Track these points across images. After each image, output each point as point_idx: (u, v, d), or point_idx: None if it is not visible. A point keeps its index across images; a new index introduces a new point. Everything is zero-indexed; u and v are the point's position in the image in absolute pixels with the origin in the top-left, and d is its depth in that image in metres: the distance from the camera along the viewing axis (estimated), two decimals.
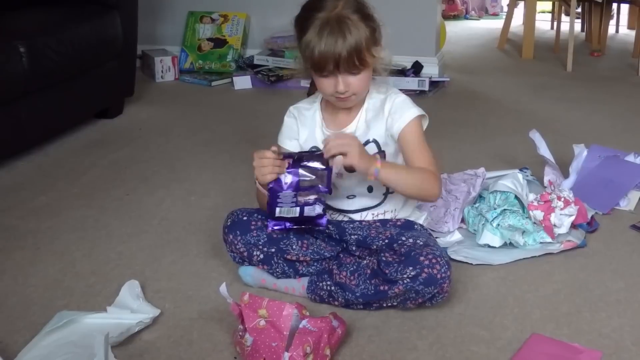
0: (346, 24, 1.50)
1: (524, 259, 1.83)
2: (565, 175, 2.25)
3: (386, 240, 1.63)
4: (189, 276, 1.77)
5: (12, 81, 2.33)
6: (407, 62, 3.47)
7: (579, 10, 4.92)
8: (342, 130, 1.66)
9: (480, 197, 2.04)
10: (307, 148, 1.70)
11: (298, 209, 1.54)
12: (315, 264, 1.66)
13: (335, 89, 1.56)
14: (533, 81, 3.70)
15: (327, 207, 1.62)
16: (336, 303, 1.61)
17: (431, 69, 3.56)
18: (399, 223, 1.69)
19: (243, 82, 3.52)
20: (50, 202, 2.19)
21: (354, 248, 1.68)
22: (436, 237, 1.82)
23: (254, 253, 1.66)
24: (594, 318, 1.59)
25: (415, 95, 3.25)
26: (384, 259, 1.55)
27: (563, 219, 1.91)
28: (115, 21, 2.84)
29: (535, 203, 1.94)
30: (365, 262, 1.61)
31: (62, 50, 2.53)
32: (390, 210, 1.72)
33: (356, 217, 1.72)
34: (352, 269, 1.61)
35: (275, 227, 1.60)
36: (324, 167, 1.52)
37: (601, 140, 2.52)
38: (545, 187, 2.14)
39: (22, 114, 2.42)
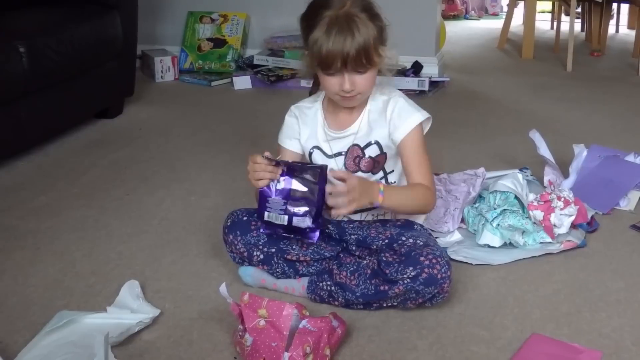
0: (355, 22, 1.50)
1: (524, 259, 1.83)
2: (565, 175, 2.25)
3: (386, 240, 1.63)
4: (189, 276, 1.77)
5: (12, 81, 2.33)
6: (407, 62, 3.47)
7: (579, 10, 4.92)
8: (343, 131, 1.65)
9: (480, 197, 2.04)
10: (308, 147, 1.69)
11: (286, 217, 1.53)
12: (315, 264, 1.66)
13: (341, 88, 1.55)
14: (533, 81, 3.70)
15: (327, 207, 1.61)
16: (336, 303, 1.61)
17: (431, 69, 3.56)
18: (398, 223, 1.68)
19: (243, 82, 3.52)
20: (50, 202, 2.19)
21: (354, 248, 1.68)
22: (436, 237, 1.82)
23: (254, 253, 1.66)
24: (594, 318, 1.59)
25: (415, 95, 3.25)
26: (384, 259, 1.55)
27: (563, 219, 1.92)
28: (115, 21, 2.84)
29: (535, 203, 1.94)
30: (365, 262, 1.61)
31: (62, 50, 2.53)
32: (390, 211, 1.72)
33: (356, 217, 1.71)
34: (352, 269, 1.61)
35: (266, 231, 1.59)
36: (315, 181, 1.51)
37: (601, 140, 2.52)
38: (545, 187, 2.14)
39: (22, 114, 2.42)
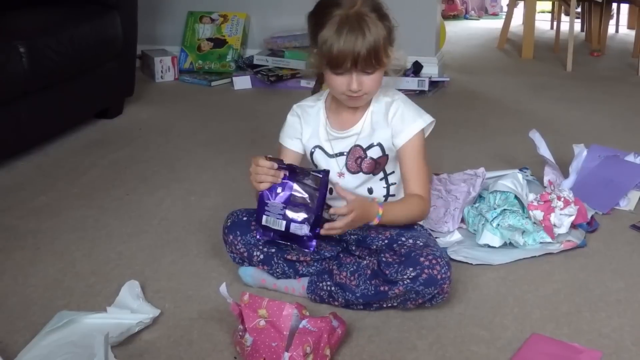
0: (365, 22, 1.49)
1: (523, 259, 1.83)
2: (565, 175, 2.25)
3: (386, 241, 1.63)
4: (189, 276, 1.77)
5: (12, 81, 2.33)
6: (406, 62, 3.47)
7: (579, 10, 4.92)
8: (346, 131, 1.65)
9: (480, 197, 2.04)
10: (309, 147, 1.69)
11: (284, 222, 1.52)
12: (315, 264, 1.66)
13: (348, 88, 1.54)
14: (533, 81, 3.70)
15: (327, 207, 1.61)
16: (336, 303, 1.61)
17: (431, 69, 3.56)
18: None
19: (243, 82, 3.52)
20: (50, 202, 2.19)
21: (353, 248, 1.68)
22: (436, 237, 1.82)
23: (254, 253, 1.66)
24: (594, 318, 1.59)
25: (415, 95, 3.25)
26: (384, 259, 1.55)
27: (563, 218, 1.92)
28: (115, 21, 2.84)
29: (535, 203, 1.94)
30: (365, 262, 1.61)
31: (62, 50, 2.53)
32: None
33: None
34: (352, 269, 1.60)
35: (264, 238, 1.59)
36: (316, 187, 1.51)
37: (601, 140, 2.52)
38: (545, 187, 2.14)
39: (22, 114, 2.42)
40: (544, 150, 2.21)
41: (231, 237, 1.67)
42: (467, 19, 5.95)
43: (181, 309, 1.62)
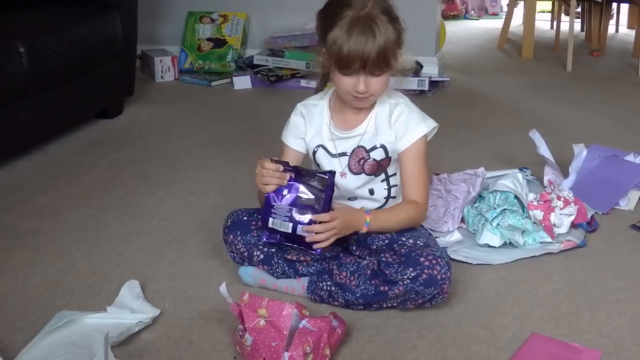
0: (376, 24, 1.49)
1: (523, 258, 1.84)
2: (565, 175, 2.25)
3: (386, 241, 1.63)
4: (189, 276, 1.77)
5: (12, 81, 2.33)
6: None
7: (579, 10, 4.92)
8: (350, 131, 1.65)
9: (480, 196, 2.04)
10: (312, 146, 1.68)
11: (291, 224, 1.52)
12: (315, 264, 1.66)
13: (354, 88, 1.54)
14: (533, 81, 3.70)
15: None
16: (336, 303, 1.61)
17: (431, 69, 3.56)
18: None
19: (243, 82, 3.52)
20: (50, 202, 2.19)
21: (353, 248, 1.68)
22: (436, 237, 1.82)
23: (254, 253, 1.66)
24: (593, 318, 1.59)
25: (415, 95, 3.25)
26: (384, 259, 1.55)
27: (563, 218, 1.92)
28: (115, 21, 2.84)
29: (535, 203, 1.94)
30: (365, 262, 1.61)
31: (62, 50, 2.53)
32: None
33: None
34: (352, 269, 1.60)
35: (270, 240, 1.59)
36: (322, 188, 1.51)
37: (601, 140, 2.52)
38: (545, 186, 2.14)
39: (22, 114, 2.42)
40: (543, 150, 2.21)
41: (231, 236, 1.67)
42: (467, 19, 5.95)
43: (181, 309, 1.62)
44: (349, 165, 1.66)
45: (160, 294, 1.68)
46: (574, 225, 1.95)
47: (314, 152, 1.69)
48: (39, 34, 2.48)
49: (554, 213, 1.91)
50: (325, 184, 1.51)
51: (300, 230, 1.52)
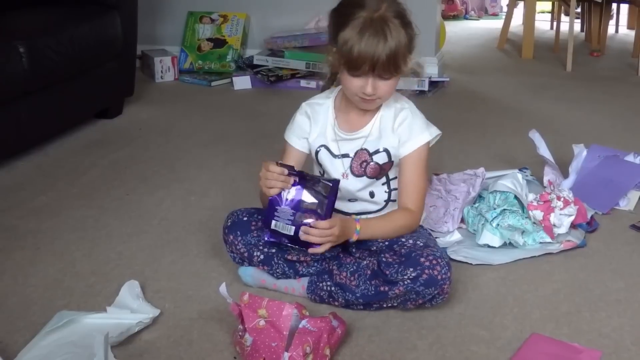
0: (388, 27, 1.48)
1: (523, 259, 1.84)
2: (565, 175, 2.25)
3: (386, 242, 1.63)
4: (189, 276, 1.77)
5: (12, 81, 2.33)
6: None
7: (579, 10, 4.92)
8: (354, 133, 1.64)
9: (480, 197, 2.04)
10: (315, 146, 1.68)
11: (293, 227, 1.53)
12: (316, 264, 1.66)
13: (362, 90, 1.53)
14: (533, 81, 3.70)
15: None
16: (336, 303, 1.61)
17: (431, 69, 3.56)
18: None
19: (243, 82, 3.52)
20: (50, 202, 2.19)
21: (353, 250, 1.68)
22: (436, 237, 1.83)
23: (254, 254, 1.66)
24: (593, 318, 1.59)
25: (415, 96, 3.25)
26: (384, 259, 1.55)
27: (563, 218, 1.92)
28: (115, 21, 2.84)
29: (535, 203, 1.94)
30: (365, 262, 1.61)
31: (62, 50, 2.53)
32: None
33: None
34: (352, 269, 1.60)
35: (271, 239, 1.59)
36: (325, 194, 1.51)
37: (601, 140, 2.52)
38: (545, 187, 2.14)
39: (22, 114, 2.42)
40: (543, 150, 2.21)
41: (231, 237, 1.67)
42: (467, 19, 5.95)
43: (181, 309, 1.62)
44: (351, 167, 1.66)
45: (160, 294, 1.68)
46: (573, 226, 1.95)
47: (317, 152, 1.68)
48: (39, 34, 2.48)
49: (553, 213, 1.91)
50: (329, 191, 1.50)
51: (300, 234, 1.53)
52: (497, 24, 5.19)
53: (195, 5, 3.85)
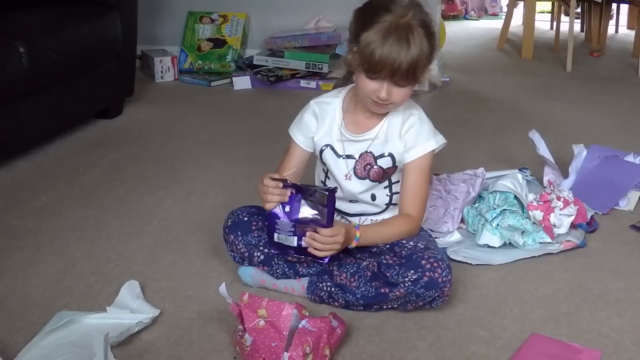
0: (412, 35, 1.47)
1: (523, 259, 1.84)
2: (565, 175, 2.25)
3: (387, 244, 1.63)
4: (189, 276, 1.77)
5: (12, 81, 2.33)
6: None
7: (579, 10, 4.92)
8: (361, 135, 1.64)
9: (479, 197, 2.04)
10: (320, 144, 1.67)
11: (295, 238, 1.53)
12: (316, 264, 1.66)
13: (376, 93, 1.52)
14: (533, 81, 3.70)
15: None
16: (336, 304, 1.61)
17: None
18: None
19: (242, 82, 3.52)
20: (50, 202, 2.19)
21: (354, 251, 1.67)
22: (435, 237, 1.83)
23: (255, 254, 1.66)
24: (593, 318, 1.59)
25: (415, 96, 3.24)
26: (384, 261, 1.55)
27: (562, 219, 1.92)
28: (115, 21, 2.84)
29: (535, 203, 1.94)
30: (365, 263, 1.60)
31: (62, 50, 2.53)
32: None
33: (354, 220, 1.71)
34: (352, 270, 1.60)
35: (277, 252, 1.60)
36: (324, 203, 1.51)
37: (601, 140, 2.52)
38: (545, 187, 2.14)
39: (22, 114, 2.42)
40: (543, 150, 2.21)
41: (232, 236, 1.67)
42: (467, 19, 5.96)
43: (181, 309, 1.62)
44: (354, 168, 1.65)
45: (160, 294, 1.68)
46: (573, 226, 1.95)
47: (321, 151, 1.68)
48: (39, 34, 2.48)
49: (553, 213, 1.91)
50: (327, 200, 1.50)
51: (304, 244, 1.53)
52: (497, 24, 5.19)
53: (195, 5, 3.85)
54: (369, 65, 1.48)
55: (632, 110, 3.16)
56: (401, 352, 1.47)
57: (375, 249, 1.63)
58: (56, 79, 2.56)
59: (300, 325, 1.39)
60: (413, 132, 1.62)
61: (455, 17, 5.85)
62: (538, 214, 1.91)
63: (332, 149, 1.66)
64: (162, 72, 3.62)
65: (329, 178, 1.70)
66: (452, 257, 1.80)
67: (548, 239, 1.89)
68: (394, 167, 1.64)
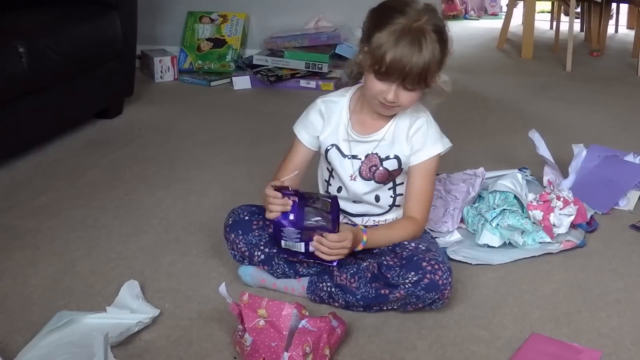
0: (425, 40, 1.46)
1: (523, 258, 1.84)
2: (565, 175, 2.25)
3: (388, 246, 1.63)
4: (189, 276, 1.77)
5: (12, 81, 2.33)
6: None
7: (579, 10, 4.92)
8: (367, 135, 1.63)
9: (479, 197, 2.04)
10: (326, 144, 1.67)
11: (302, 244, 1.54)
12: (316, 264, 1.66)
13: (383, 95, 1.52)
14: (532, 81, 3.70)
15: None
16: (336, 304, 1.61)
17: None
18: None
19: (242, 82, 3.52)
20: (50, 202, 2.19)
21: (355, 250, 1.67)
22: (435, 237, 1.83)
23: (255, 253, 1.66)
24: (593, 318, 1.59)
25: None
26: (385, 262, 1.55)
27: (562, 218, 1.92)
28: (115, 21, 2.84)
29: (535, 203, 1.94)
30: (365, 264, 1.60)
31: (62, 50, 2.53)
32: (392, 219, 1.71)
33: (357, 220, 1.71)
34: (352, 271, 1.60)
35: (285, 255, 1.60)
36: (327, 210, 1.51)
37: (601, 140, 2.52)
38: (545, 187, 2.14)
39: (22, 114, 2.42)
40: (543, 150, 2.22)
41: (233, 235, 1.67)
42: (466, 19, 5.96)
43: (181, 309, 1.62)
44: (360, 169, 1.65)
45: (160, 294, 1.68)
46: (573, 226, 1.95)
47: (327, 150, 1.67)
48: (39, 34, 2.48)
49: (553, 213, 1.91)
50: (330, 207, 1.50)
51: (311, 248, 1.54)
52: (496, 23, 5.19)
53: (195, 5, 3.85)
54: (379, 66, 1.48)
55: (632, 110, 3.16)
56: (401, 352, 1.47)
57: (376, 250, 1.63)
58: (56, 79, 2.56)
59: (300, 325, 1.39)
60: (420, 135, 1.62)
61: (455, 17, 5.85)
62: (538, 214, 1.91)
63: (338, 148, 1.66)
64: (161, 72, 3.62)
65: (333, 177, 1.70)
66: (452, 256, 1.80)
67: (548, 239, 1.89)
68: (400, 170, 1.64)
